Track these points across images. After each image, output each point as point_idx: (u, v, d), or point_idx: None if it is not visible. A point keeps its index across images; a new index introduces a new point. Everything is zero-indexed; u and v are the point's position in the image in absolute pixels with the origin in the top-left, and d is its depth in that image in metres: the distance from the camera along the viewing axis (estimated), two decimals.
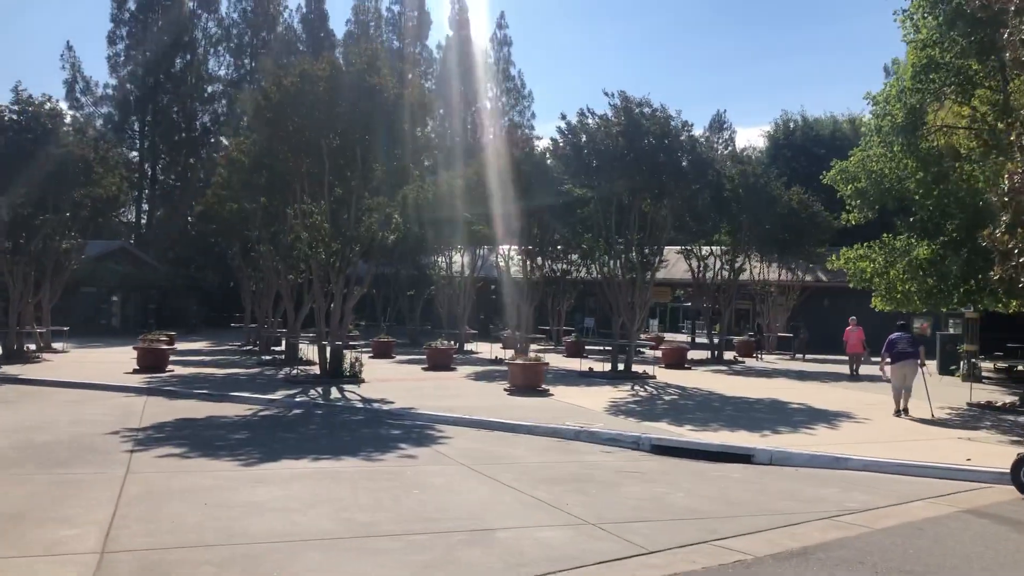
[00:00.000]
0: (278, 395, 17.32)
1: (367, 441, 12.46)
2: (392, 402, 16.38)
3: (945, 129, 17.97)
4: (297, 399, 16.92)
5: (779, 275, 39.02)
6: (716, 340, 31.84)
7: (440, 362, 24.58)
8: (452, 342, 28.96)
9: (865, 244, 19.68)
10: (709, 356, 31.23)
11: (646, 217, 22.33)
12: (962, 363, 25.83)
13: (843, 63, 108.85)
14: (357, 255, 20.11)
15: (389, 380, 20.84)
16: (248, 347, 32.63)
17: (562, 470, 10.54)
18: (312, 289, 21.18)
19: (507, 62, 76.79)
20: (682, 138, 21.61)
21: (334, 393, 17.88)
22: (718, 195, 22.94)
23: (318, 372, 20.60)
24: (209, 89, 60.01)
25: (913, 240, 18.59)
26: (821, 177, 20.91)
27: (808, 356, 35.35)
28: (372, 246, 20.17)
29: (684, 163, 21.58)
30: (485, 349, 33.11)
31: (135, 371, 21.46)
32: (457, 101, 67.69)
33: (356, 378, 20.09)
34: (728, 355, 32.15)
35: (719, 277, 32.74)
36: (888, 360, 16.57)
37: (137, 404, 16.08)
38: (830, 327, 41.38)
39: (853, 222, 20.09)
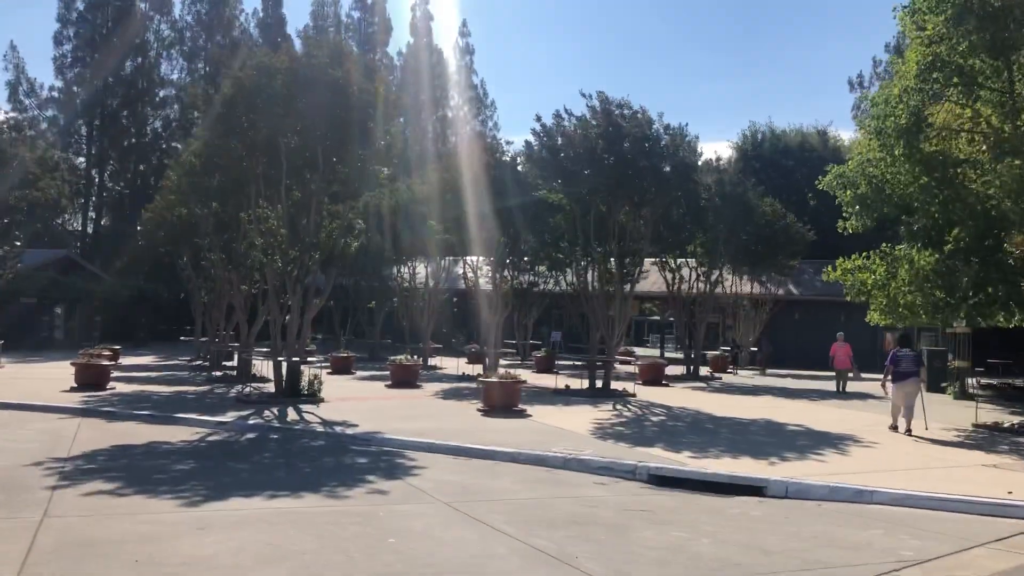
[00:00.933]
0: (229, 417, 15.68)
1: (330, 472, 10.93)
2: (356, 425, 14.85)
3: (945, 133, 16.95)
4: (250, 421, 15.30)
5: (751, 288, 38.09)
6: (692, 355, 30.66)
7: (405, 379, 23.05)
8: (416, 357, 27.46)
9: (863, 255, 18.58)
10: (685, 372, 30.05)
11: (624, 226, 21.06)
12: (954, 381, 24.91)
13: (806, 80, 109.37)
14: (316, 263, 18.58)
15: (351, 399, 19.30)
16: (199, 362, 30.82)
17: (559, 509, 9.12)
18: (267, 300, 19.55)
19: (469, 71, 75.62)
20: (663, 142, 20.41)
21: (291, 414, 16.29)
22: (694, 204, 21.90)
23: (273, 391, 18.95)
24: (161, 93, 57.94)
25: (916, 249, 17.52)
26: (816, 182, 19.80)
27: (769, 370, 34.38)
28: (333, 254, 18.64)
29: (666, 168, 20.35)
30: (450, 364, 31.62)
31: (72, 389, 19.65)
32: (419, 109, 66.26)
33: (315, 397, 18.50)
34: (703, 370, 31.02)
35: (694, 290, 31.60)
36: (890, 378, 15.66)
37: (69, 428, 14.36)
38: (802, 341, 40.67)
39: (851, 230, 19.00)
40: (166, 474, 10.56)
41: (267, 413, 16.36)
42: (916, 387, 15.77)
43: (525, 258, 30.13)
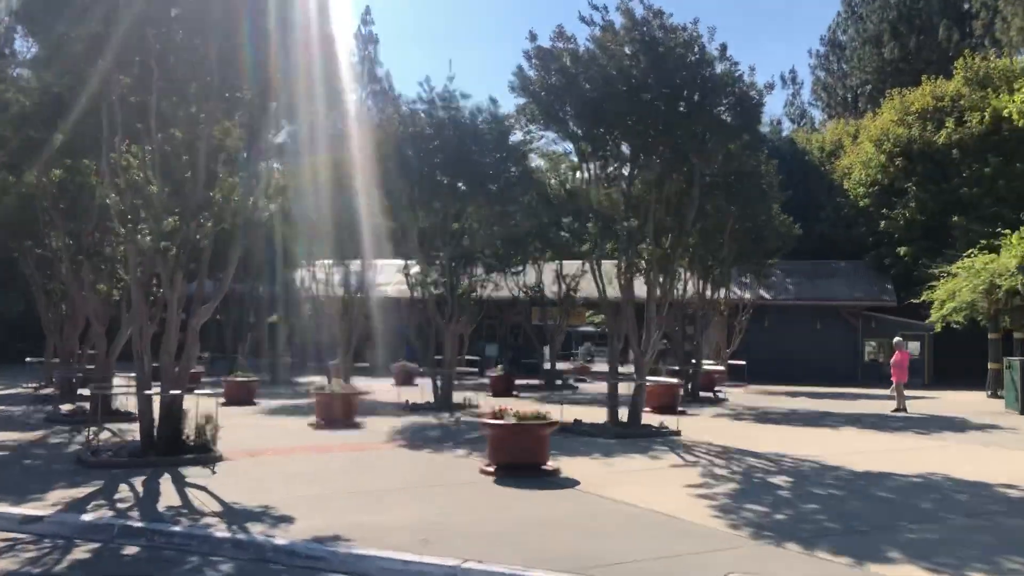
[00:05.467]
0: (49, 506, 8.60)
1: None
2: (286, 518, 8.04)
3: None
4: (87, 517, 8.23)
5: (725, 292, 32.31)
6: (689, 371, 24.51)
7: (339, 415, 16.16)
8: (339, 380, 20.60)
9: None
10: (683, 392, 23.88)
11: (661, 192, 14.75)
12: None
13: None
14: (209, 235, 11.60)
15: (264, 453, 12.37)
16: (47, 391, 23.05)
17: None
18: (131, 300, 12.38)
19: (373, 62, 68.85)
20: (718, 71, 14.23)
21: (167, 493, 9.30)
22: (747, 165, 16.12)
23: (140, 441, 11.79)
24: None
25: None
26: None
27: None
28: (236, 223, 11.68)
29: (723, 110, 14.19)
30: (378, 388, 24.56)
31: None
32: (318, 101, 58.89)
33: (207, 451, 11.51)
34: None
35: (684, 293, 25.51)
36: None
37: None
38: (775, 351, 35.31)
39: None
40: None
41: (122, 493, 9.31)
42: None
43: (483, 252, 23.76)
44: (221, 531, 7.56)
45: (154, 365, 11.81)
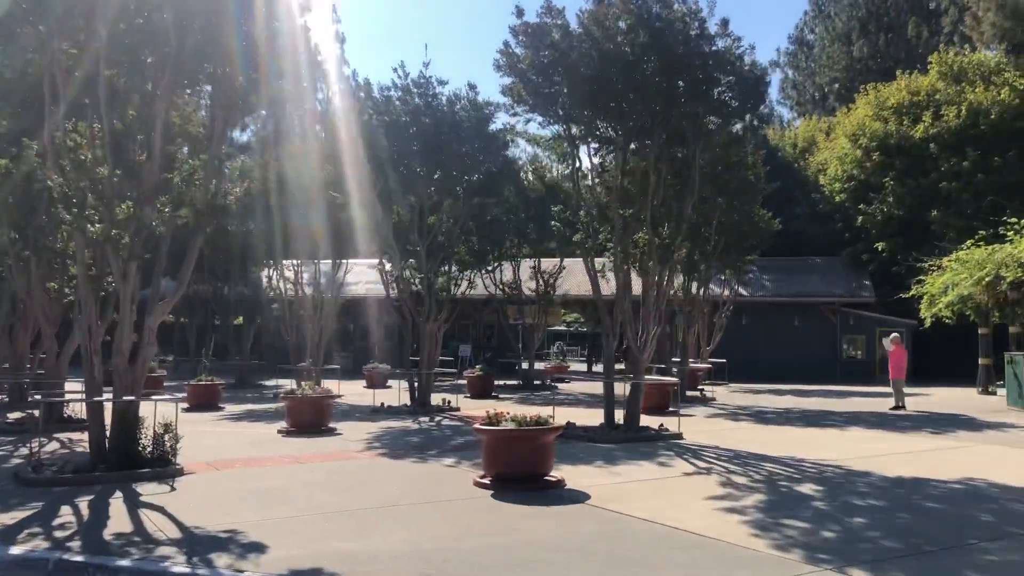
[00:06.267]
0: None
1: None
2: (259, 545, 6.85)
3: None
4: (20, 546, 6.95)
5: (704, 288, 31.40)
6: (673, 370, 23.54)
7: (311, 420, 14.94)
8: (311, 382, 19.35)
9: None
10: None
11: (659, 177, 13.66)
12: None
13: None
14: (168, 223, 10.34)
15: (230, 465, 11.13)
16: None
17: None
18: (77, 296, 11.06)
19: (340, 61, 67.18)
20: (720, 47, 13.20)
21: (117, 515, 8.06)
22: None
23: (91, 454, 10.50)
24: None
25: None
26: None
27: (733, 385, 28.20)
28: (198, 207, 10.42)
29: (723, 89, 13.17)
30: (348, 391, 23.27)
31: None
32: (286, 81, 57.28)
33: (166, 464, 10.24)
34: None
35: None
36: None
37: None
38: (753, 349, 34.55)
39: None
40: None
41: (64, 518, 8.04)
42: None
43: (462, 246, 22.66)
44: (179, 565, 6.35)
45: (110, 369, 10.54)
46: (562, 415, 14.60)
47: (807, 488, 9.42)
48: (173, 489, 9.33)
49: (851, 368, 34.74)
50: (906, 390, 19.78)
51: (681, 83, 12.64)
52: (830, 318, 35.41)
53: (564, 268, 30.10)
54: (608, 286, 15.09)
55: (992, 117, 33.96)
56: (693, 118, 12.99)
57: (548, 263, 29.87)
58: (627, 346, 14.17)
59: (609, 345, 14.35)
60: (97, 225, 9.89)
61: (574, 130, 13.90)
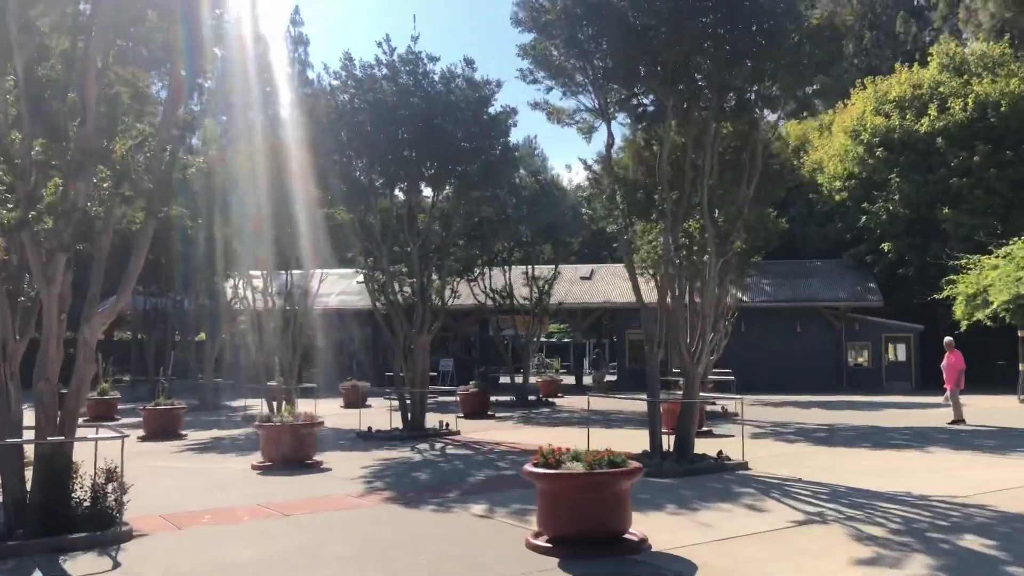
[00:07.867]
0: None
1: None
2: None
3: None
4: None
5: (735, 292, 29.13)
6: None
7: (291, 453, 12.36)
8: (286, 404, 16.77)
9: None
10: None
11: (715, 151, 11.34)
12: None
13: None
14: (107, 203, 7.77)
15: (195, 522, 8.53)
16: None
17: None
18: None
19: (303, 64, 64.83)
20: None
21: None
22: None
23: (4, 514, 7.88)
24: None
25: None
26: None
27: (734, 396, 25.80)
28: (150, 188, 7.86)
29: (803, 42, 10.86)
30: (330, 411, 20.65)
31: None
32: (244, 103, 54.65)
33: (108, 525, 7.66)
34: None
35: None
36: None
37: None
38: (754, 357, 32.36)
39: None
40: None
41: None
42: None
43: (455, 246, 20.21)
44: None
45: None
46: (586, 438, 12.20)
47: (972, 542, 7.06)
48: (116, 565, 6.78)
49: (857, 376, 32.80)
50: (930, 400, 17.70)
51: (748, 33, 10.30)
52: (834, 324, 33.41)
53: (559, 273, 27.85)
54: (647, 288, 12.74)
55: (1003, 109, 32.21)
56: (760, 77, 10.68)
57: (540, 269, 27.63)
58: (663, 358, 11.85)
59: (654, 357, 11.96)
60: (9, 206, 7.33)
61: (609, 97, 11.54)
